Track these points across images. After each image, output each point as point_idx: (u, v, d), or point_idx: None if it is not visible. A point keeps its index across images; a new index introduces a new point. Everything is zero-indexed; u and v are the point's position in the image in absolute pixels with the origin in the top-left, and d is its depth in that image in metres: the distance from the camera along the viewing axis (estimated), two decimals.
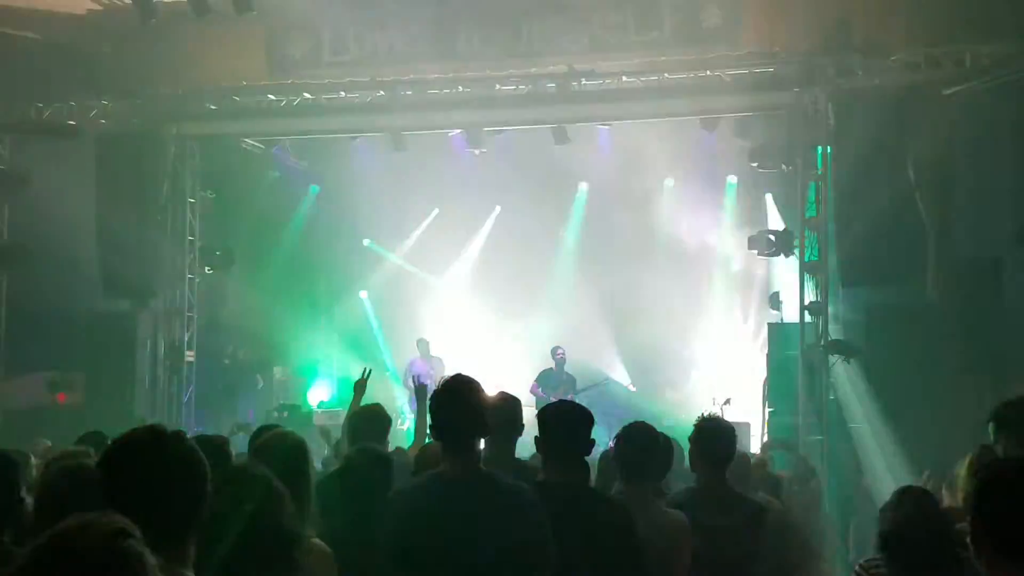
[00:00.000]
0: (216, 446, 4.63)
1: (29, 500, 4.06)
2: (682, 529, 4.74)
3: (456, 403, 4.11)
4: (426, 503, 3.98)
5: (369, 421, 6.41)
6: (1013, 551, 2.60)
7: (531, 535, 3.87)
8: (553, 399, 11.16)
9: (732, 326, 17.88)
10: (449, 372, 4.48)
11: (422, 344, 16.74)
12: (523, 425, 5.38)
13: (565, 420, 4.62)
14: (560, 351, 15.98)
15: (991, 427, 5.43)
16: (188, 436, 2.93)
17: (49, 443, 9.14)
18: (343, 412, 15.47)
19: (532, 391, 15.64)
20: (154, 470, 2.66)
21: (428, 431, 4.37)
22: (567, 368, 16.19)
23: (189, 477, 2.70)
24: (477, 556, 3.80)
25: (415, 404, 7.69)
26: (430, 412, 4.17)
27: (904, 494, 4.92)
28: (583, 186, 18.57)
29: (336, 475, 5.04)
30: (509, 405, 5.31)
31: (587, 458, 4.74)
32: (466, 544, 3.81)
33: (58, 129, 15.52)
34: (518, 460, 5.40)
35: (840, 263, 13.67)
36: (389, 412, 6.63)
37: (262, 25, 14.52)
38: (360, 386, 6.82)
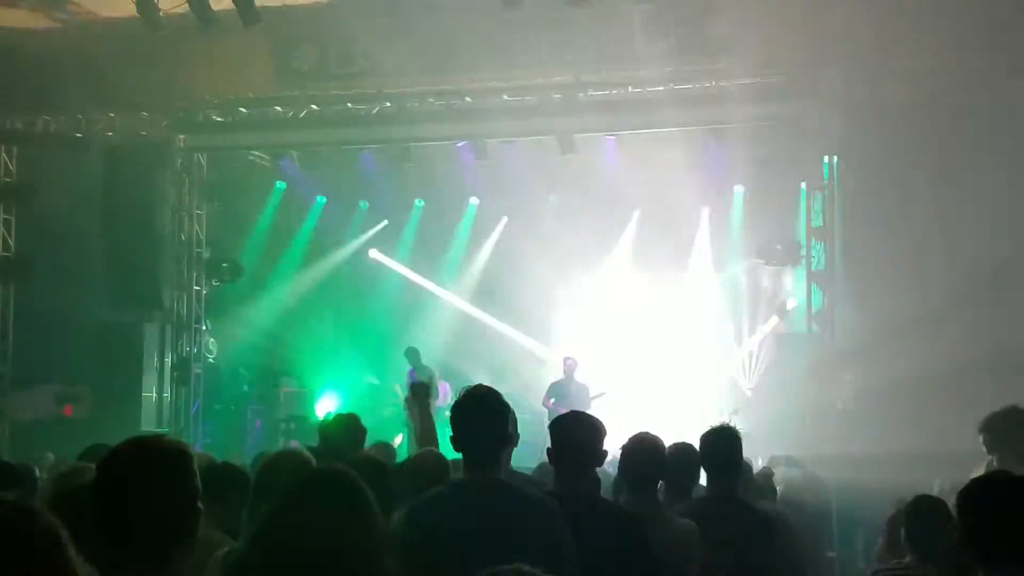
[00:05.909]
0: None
1: None
2: (692, 538, 4.71)
3: (480, 413, 4.09)
4: (453, 514, 3.93)
5: (347, 430, 6.07)
6: None
7: (559, 543, 3.84)
8: (562, 410, 11.08)
9: (740, 335, 17.82)
10: (440, 384, 4.41)
11: (411, 353, 16.14)
12: (517, 436, 5.34)
13: (574, 431, 4.58)
14: (570, 360, 15.77)
15: (981, 438, 5.38)
16: (191, 448, 2.85)
17: (53, 456, 9.14)
18: None
19: (544, 403, 15.49)
20: (133, 487, 2.63)
21: (450, 439, 4.23)
22: (578, 378, 15.88)
23: (167, 493, 2.65)
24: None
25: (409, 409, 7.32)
26: (451, 424, 4.11)
27: (919, 503, 4.89)
28: (588, 196, 18.50)
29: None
30: None
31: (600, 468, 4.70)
32: (495, 554, 3.78)
33: (66, 141, 15.57)
34: (516, 473, 5.35)
35: (847, 272, 13.65)
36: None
37: (269, 37, 14.54)
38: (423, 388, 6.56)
